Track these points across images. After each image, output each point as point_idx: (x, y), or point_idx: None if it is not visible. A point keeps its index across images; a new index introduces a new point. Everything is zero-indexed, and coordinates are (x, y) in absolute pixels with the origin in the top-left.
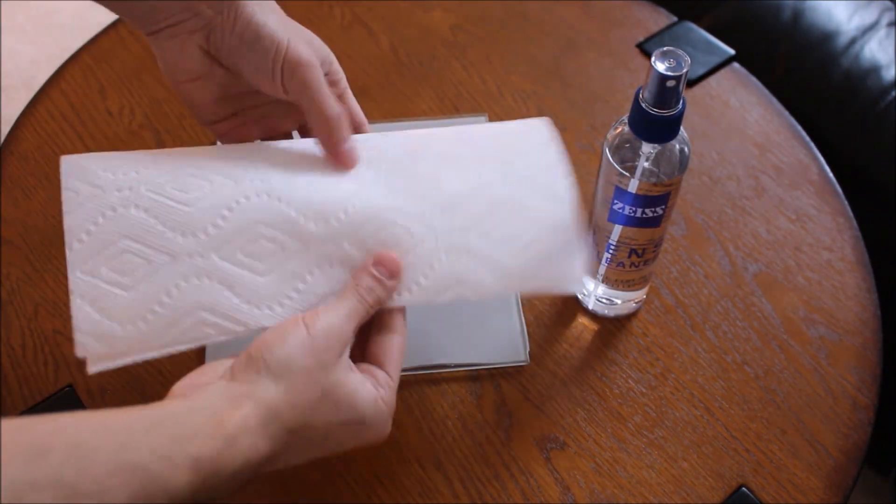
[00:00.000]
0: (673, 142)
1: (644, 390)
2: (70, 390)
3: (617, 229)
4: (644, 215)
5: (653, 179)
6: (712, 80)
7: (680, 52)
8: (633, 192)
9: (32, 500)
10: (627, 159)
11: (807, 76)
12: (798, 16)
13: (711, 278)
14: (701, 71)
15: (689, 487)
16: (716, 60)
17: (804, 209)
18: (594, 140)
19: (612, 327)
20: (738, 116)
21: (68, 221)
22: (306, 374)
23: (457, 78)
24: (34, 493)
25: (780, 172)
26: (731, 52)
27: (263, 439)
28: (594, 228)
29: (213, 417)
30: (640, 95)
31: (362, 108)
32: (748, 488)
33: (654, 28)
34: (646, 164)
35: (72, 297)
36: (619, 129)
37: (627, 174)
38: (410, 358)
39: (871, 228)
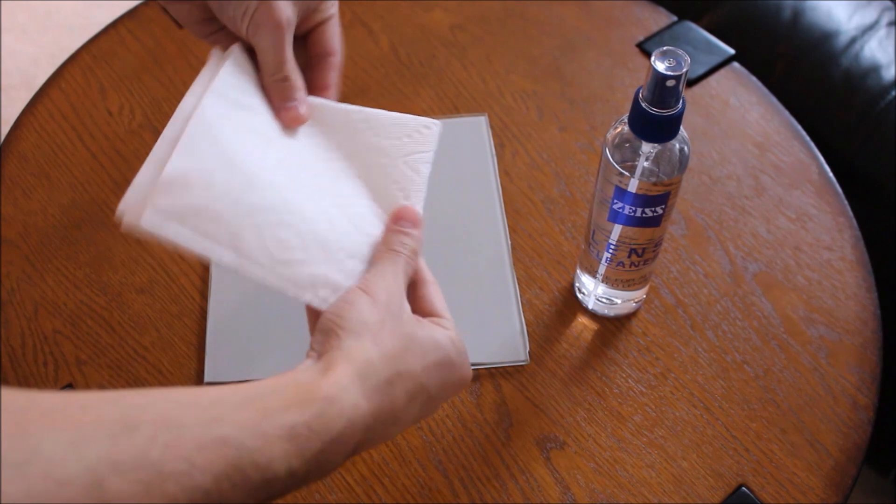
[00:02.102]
0: (673, 141)
1: (644, 390)
2: (70, 390)
3: (617, 229)
4: (644, 215)
5: (652, 179)
6: (712, 79)
7: (680, 51)
8: (633, 191)
9: (113, 483)
10: (627, 159)
11: (807, 76)
12: (798, 16)
13: (711, 278)
14: (701, 71)
15: (688, 487)
16: (716, 60)
17: (804, 209)
18: (594, 140)
19: (612, 327)
20: (738, 116)
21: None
22: (385, 326)
23: (457, 78)
24: (115, 476)
25: (780, 172)
26: (731, 51)
27: (363, 396)
28: (594, 228)
29: (304, 386)
30: (640, 95)
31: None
32: (748, 488)
33: (654, 28)
34: (646, 164)
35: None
36: (619, 129)
37: (627, 174)
38: None
39: (871, 228)
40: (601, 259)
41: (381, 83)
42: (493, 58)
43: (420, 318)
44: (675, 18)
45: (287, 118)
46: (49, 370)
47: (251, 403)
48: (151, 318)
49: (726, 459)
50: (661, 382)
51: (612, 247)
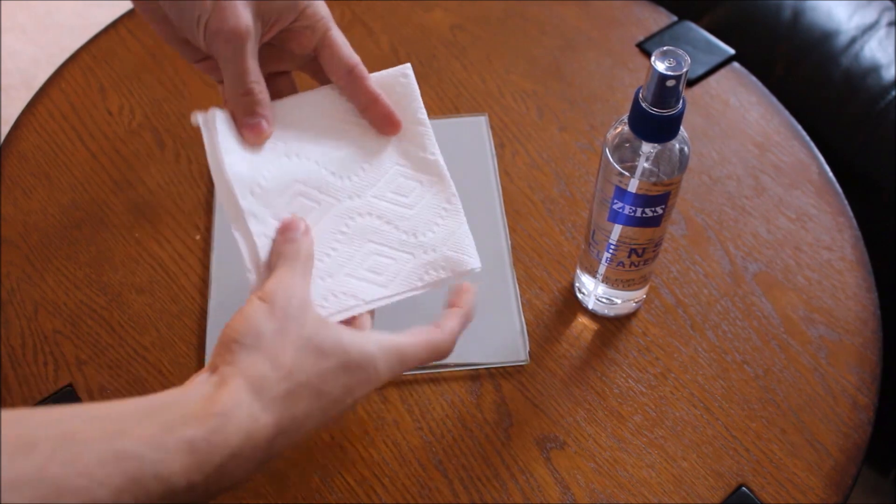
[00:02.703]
0: (673, 141)
1: (644, 390)
2: (70, 390)
3: (617, 229)
4: (644, 215)
5: (653, 179)
6: (712, 79)
7: (680, 51)
8: (633, 191)
9: (11, 499)
10: (627, 159)
11: (807, 76)
12: (798, 15)
13: (711, 278)
14: (701, 71)
15: (688, 487)
16: (716, 60)
17: (804, 209)
18: (594, 140)
19: (612, 327)
20: (738, 116)
21: (233, 172)
22: (279, 335)
23: (457, 77)
24: (12, 493)
25: (780, 172)
26: (731, 51)
27: (261, 409)
28: (594, 228)
29: (202, 400)
30: (640, 95)
31: None
32: (748, 488)
33: (654, 28)
34: (646, 164)
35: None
36: (619, 129)
37: (627, 174)
38: None
39: (871, 228)
40: (601, 259)
41: None
42: (493, 58)
43: (326, 321)
44: (675, 18)
45: (250, 136)
46: (49, 370)
47: (153, 416)
48: (151, 317)
49: (726, 459)
50: (661, 382)
51: (612, 247)
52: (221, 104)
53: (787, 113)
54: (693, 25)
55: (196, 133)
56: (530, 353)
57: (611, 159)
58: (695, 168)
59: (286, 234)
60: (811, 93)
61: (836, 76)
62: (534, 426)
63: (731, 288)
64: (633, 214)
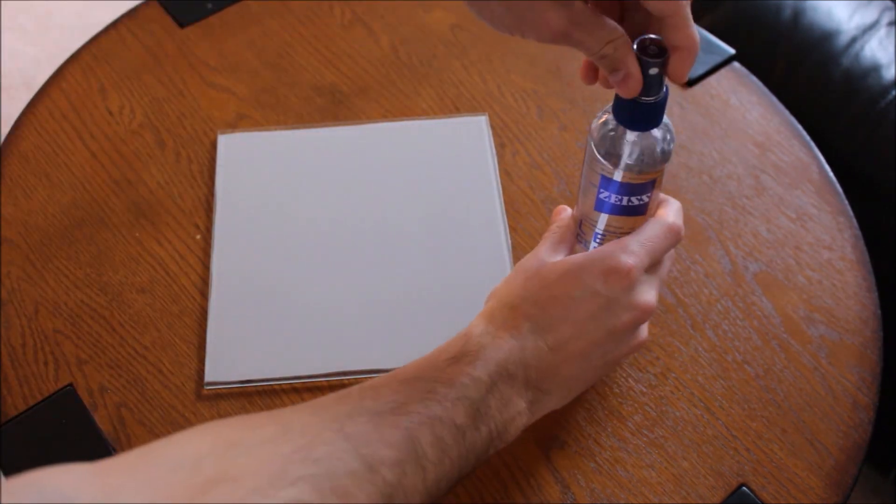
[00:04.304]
0: (657, 129)
1: (644, 389)
2: (70, 390)
3: (603, 218)
4: (630, 203)
5: (637, 168)
6: (712, 79)
7: (661, 37)
8: (619, 180)
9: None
10: (612, 148)
11: (807, 76)
12: (798, 15)
13: (711, 277)
14: (701, 70)
15: (689, 487)
16: (716, 60)
17: (804, 208)
18: None
19: None
20: (739, 116)
21: None
22: (507, 281)
23: (457, 77)
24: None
25: (781, 171)
26: (732, 51)
27: (494, 329)
28: (581, 219)
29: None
30: None
31: (361, 107)
32: (748, 487)
33: None
34: (630, 153)
35: None
36: (604, 118)
37: (612, 163)
38: (409, 357)
39: (871, 228)
40: (589, 249)
41: (381, 83)
42: (493, 57)
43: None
44: None
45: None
46: (49, 370)
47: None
48: (152, 317)
49: (727, 459)
50: (662, 382)
51: (599, 236)
52: (220, 104)
53: (787, 113)
54: None
55: (196, 133)
56: None
57: (595, 149)
58: (695, 168)
59: (554, 217)
60: (811, 93)
61: (836, 76)
62: (534, 426)
63: (732, 287)
64: (618, 203)
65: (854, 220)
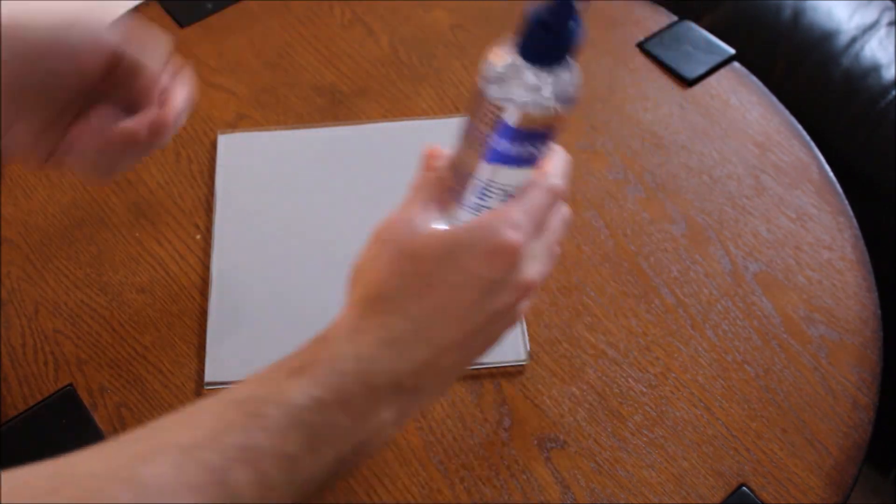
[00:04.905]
0: (561, 70)
1: (644, 389)
2: (70, 390)
3: (489, 169)
4: (522, 154)
5: (536, 111)
6: (712, 79)
7: None
8: (514, 125)
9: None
10: (508, 86)
11: (807, 76)
12: (798, 15)
13: (711, 277)
14: (701, 70)
15: (689, 486)
16: (716, 60)
17: (804, 208)
18: (594, 140)
19: (612, 326)
20: (739, 116)
21: None
22: (370, 260)
23: (457, 77)
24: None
25: (781, 171)
26: (732, 51)
27: (352, 314)
28: (459, 168)
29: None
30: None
31: (361, 107)
32: (748, 487)
33: (654, 28)
34: (529, 92)
35: None
36: (502, 52)
37: (507, 103)
38: None
39: (871, 227)
40: (469, 206)
41: (381, 83)
42: None
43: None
44: (675, 18)
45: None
46: (49, 370)
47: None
48: (152, 317)
49: (727, 459)
50: (662, 382)
51: (480, 191)
52: (220, 104)
53: (787, 113)
54: (693, 25)
55: (196, 133)
56: (530, 353)
57: (489, 87)
58: (695, 168)
59: (424, 160)
60: (811, 92)
61: (836, 76)
62: (534, 426)
63: (732, 287)
64: (508, 153)
65: (854, 220)
